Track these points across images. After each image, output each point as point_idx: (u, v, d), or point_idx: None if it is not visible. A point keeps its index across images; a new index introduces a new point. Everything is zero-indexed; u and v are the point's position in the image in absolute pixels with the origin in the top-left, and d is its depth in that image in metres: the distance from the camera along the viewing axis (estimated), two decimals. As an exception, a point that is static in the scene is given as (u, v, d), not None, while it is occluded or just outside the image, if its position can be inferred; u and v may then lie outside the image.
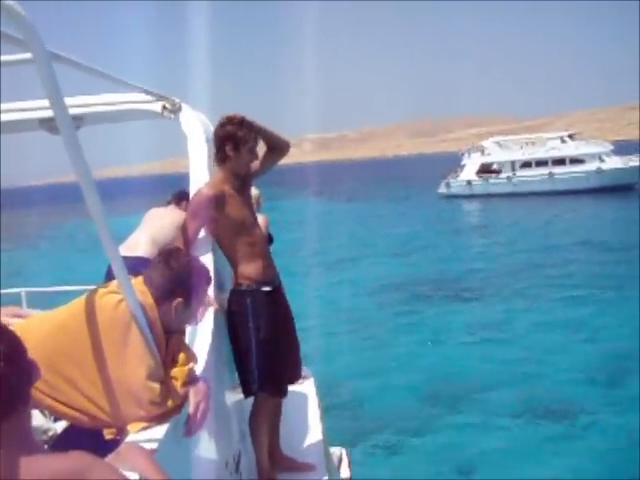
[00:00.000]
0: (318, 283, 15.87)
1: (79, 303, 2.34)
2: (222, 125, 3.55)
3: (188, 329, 2.97)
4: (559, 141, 45.25)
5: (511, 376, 10.86)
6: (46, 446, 2.72)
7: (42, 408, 2.54)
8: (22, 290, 4.16)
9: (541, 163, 43.93)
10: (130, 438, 2.17)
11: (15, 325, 2.16)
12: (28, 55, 1.66)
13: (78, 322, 2.28)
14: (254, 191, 6.03)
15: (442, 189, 48.34)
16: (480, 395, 10.19)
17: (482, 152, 47.95)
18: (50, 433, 3.03)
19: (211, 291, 3.22)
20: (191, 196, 3.55)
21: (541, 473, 7.83)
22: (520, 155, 45.41)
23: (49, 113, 1.77)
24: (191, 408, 2.36)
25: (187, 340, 2.91)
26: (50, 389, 2.21)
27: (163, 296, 2.39)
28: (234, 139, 3.50)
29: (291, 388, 3.93)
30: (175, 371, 2.36)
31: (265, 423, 3.72)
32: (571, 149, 43.79)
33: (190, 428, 2.37)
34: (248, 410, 3.74)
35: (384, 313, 15.86)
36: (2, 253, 20.37)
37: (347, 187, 72.21)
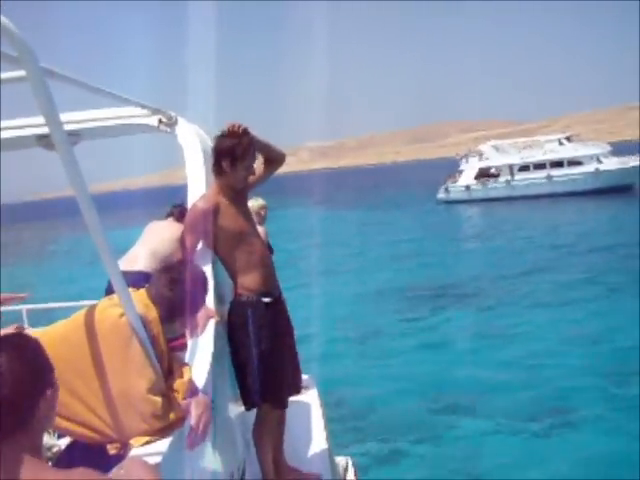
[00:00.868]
0: (317, 291, 15.82)
1: (81, 316, 2.34)
2: (222, 138, 3.49)
3: (189, 342, 2.97)
4: (557, 143, 45.23)
5: (513, 380, 10.82)
6: (50, 463, 2.70)
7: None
8: (23, 307, 4.12)
9: (539, 166, 43.92)
10: (133, 452, 2.16)
11: None
12: (22, 73, 1.65)
13: (80, 334, 2.27)
14: (260, 202, 5.98)
15: (441, 195, 48.31)
16: (483, 399, 10.15)
17: (480, 157, 47.97)
18: (54, 450, 3.02)
19: (212, 303, 3.22)
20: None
21: (544, 475, 7.80)
22: (518, 158, 45.34)
23: (46, 130, 1.76)
24: (192, 420, 2.36)
25: (189, 352, 2.91)
26: None
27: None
28: (232, 155, 3.45)
29: (294, 398, 3.90)
30: (176, 384, 2.35)
31: (268, 434, 3.69)
32: (569, 151, 43.76)
33: (192, 441, 2.36)
34: (252, 419, 3.71)
35: (386, 319, 15.82)
36: (2, 269, 20.32)
37: (346, 195, 72.20)
